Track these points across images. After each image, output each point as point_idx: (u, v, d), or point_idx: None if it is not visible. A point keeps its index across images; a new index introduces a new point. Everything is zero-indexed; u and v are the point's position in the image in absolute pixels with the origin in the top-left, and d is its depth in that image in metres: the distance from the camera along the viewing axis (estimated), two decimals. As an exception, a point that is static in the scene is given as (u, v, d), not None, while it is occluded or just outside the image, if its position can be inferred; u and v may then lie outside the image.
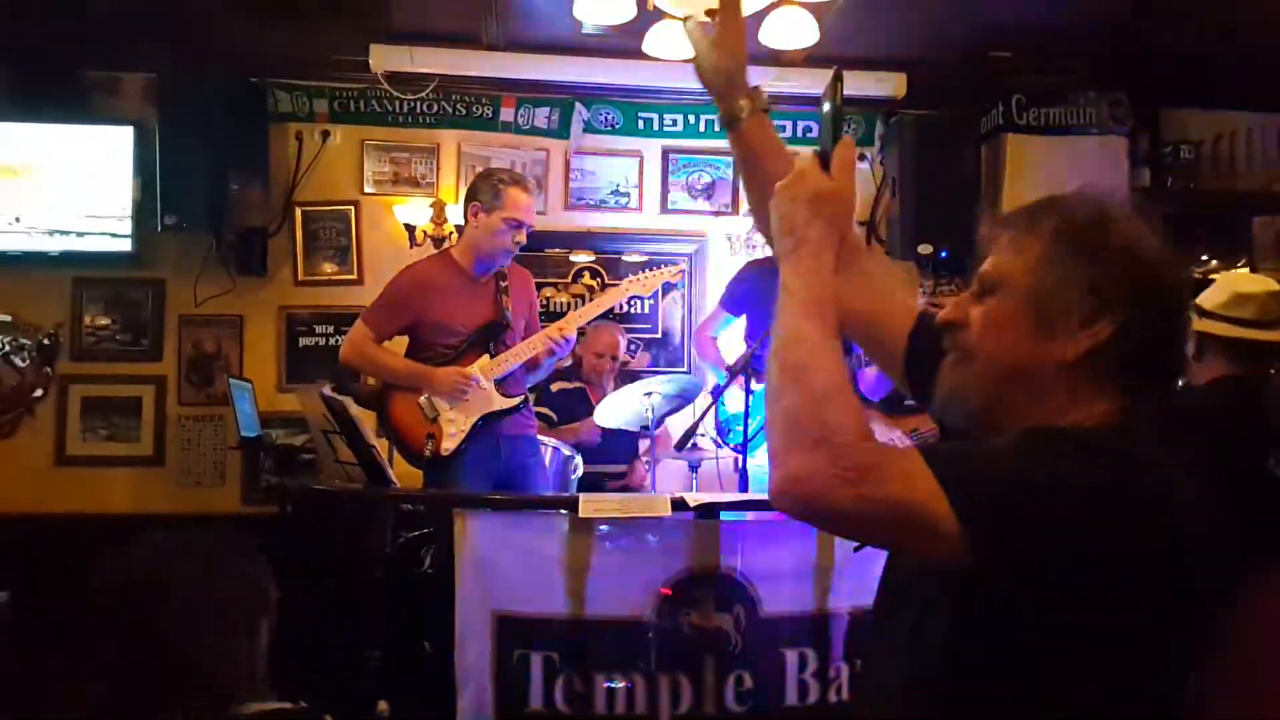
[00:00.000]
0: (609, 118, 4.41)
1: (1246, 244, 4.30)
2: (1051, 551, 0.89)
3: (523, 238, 3.10)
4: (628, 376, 3.98)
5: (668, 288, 4.19)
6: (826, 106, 1.10)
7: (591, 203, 4.37)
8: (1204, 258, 4.00)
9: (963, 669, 0.98)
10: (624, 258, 4.37)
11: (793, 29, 3.16)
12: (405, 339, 3.23)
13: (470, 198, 3.16)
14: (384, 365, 3.14)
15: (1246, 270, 2.34)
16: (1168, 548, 0.92)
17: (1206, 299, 2.32)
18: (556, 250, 4.34)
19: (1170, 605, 0.94)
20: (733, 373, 3.11)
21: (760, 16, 3.14)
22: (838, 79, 1.10)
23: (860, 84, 4.25)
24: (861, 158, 4.49)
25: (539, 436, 3.33)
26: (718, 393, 3.28)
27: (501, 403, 3.09)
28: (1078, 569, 0.90)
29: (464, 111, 4.32)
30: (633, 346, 4.28)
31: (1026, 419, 1.00)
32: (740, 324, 3.63)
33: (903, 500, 0.91)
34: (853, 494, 0.91)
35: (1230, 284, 2.31)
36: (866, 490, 0.91)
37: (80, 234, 4.03)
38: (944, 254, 4.08)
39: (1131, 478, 0.92)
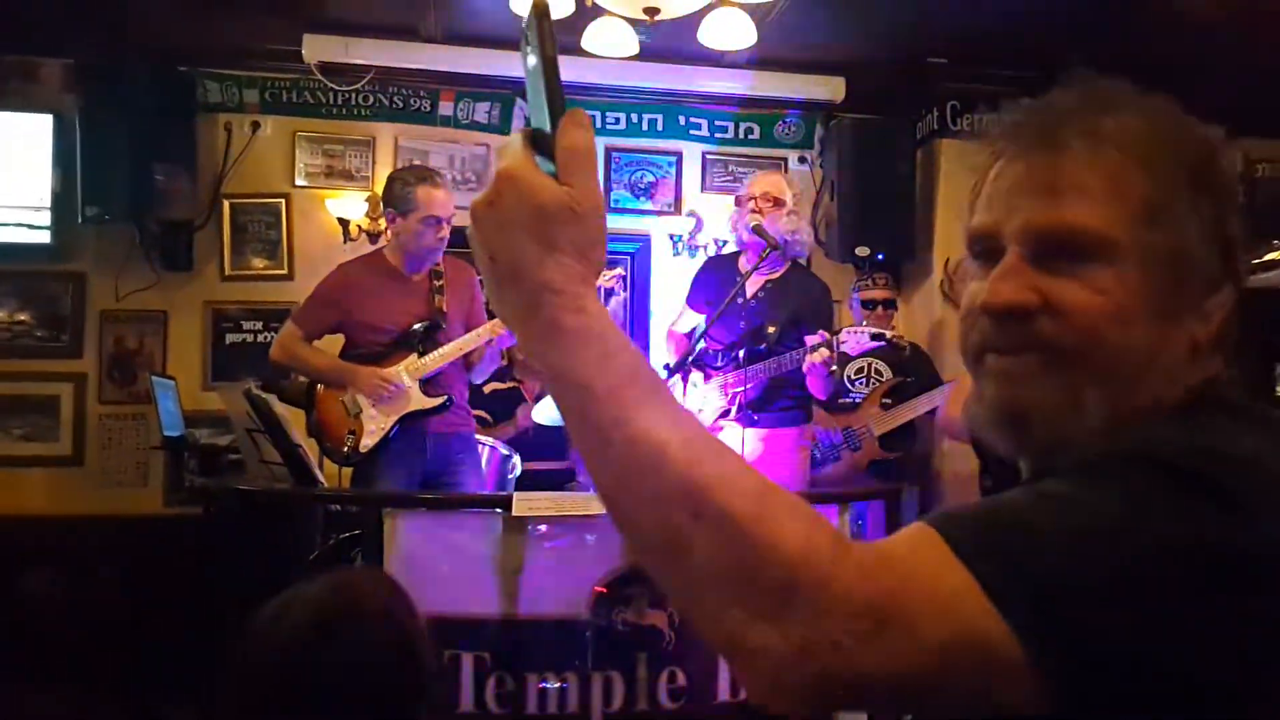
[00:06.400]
0: (550, 115, 4.37)
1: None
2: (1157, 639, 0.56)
3: (445, 232, 3.05)
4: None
5: (608, 294, 4.08)
6: (533, 60, 0.62)
7: (532, 200, 4.31)
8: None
9: None
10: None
11: (730, 30, 3.17)
12: (341, 337, 3.17)
13: (385, 204, 3.16)
14: (310, 364, 3.13)
15: None
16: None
17: None
18: (496, 248, 4.27)
19: None
20: (671, 371, 3.09)
21: (698, 17, 3.15)
22: (541, 14, 0.61)
23: (801, 86, 4.30)
24: (802, 160, 4.52)
25: (478, 436, 3.29)
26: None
27: (422, 402, 3.04)
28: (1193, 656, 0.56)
29: (401, 105, 4.24)
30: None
31: (1106, 425, 0.67)
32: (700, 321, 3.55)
33: (951, 637, 0.56)
34: (877, 648, 0.56)
35: None
36: (895, 635, 0.56)
37: (-6, 225, 3.87)
38: (880, 256, 4.12)
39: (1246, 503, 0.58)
